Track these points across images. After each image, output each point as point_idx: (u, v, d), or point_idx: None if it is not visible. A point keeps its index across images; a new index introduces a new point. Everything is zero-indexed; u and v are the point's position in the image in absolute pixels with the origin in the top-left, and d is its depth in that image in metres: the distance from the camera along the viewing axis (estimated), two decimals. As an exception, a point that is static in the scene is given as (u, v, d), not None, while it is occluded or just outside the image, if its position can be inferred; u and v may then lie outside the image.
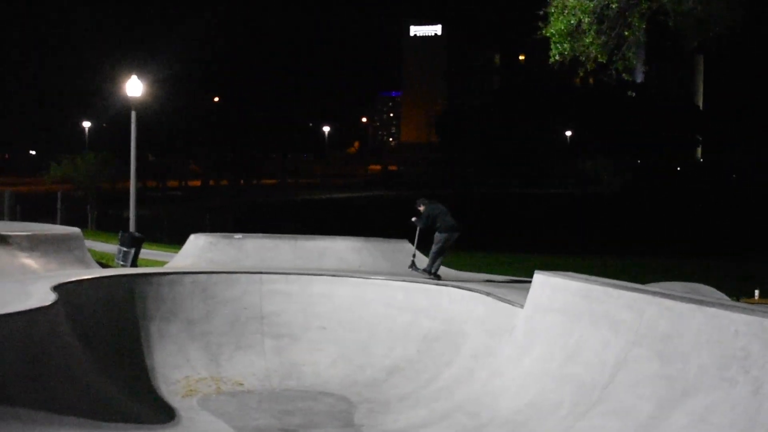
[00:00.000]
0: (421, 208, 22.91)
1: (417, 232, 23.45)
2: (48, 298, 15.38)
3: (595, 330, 13.88)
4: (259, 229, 30.43)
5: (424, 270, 22.28)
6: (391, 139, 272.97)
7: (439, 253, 22.48)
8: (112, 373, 16.45)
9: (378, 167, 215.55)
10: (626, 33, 20.07)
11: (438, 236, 22.49)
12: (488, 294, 18.19)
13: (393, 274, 21.81)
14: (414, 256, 23.62)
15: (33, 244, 24.74)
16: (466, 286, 19.34)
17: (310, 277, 21.02)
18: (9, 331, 13.11)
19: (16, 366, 12.85)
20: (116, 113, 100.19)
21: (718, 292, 21.80)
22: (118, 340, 18.16)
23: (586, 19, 19.35)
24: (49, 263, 23.88)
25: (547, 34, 20.45)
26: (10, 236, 24.59)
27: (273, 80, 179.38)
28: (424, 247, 23.80)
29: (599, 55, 20.22)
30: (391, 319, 19.52)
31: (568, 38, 20.00)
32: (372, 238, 26.41)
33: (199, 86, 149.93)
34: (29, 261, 23.88)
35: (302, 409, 16.65)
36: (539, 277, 16.22)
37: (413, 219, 23.05)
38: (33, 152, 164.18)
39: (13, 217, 52.57)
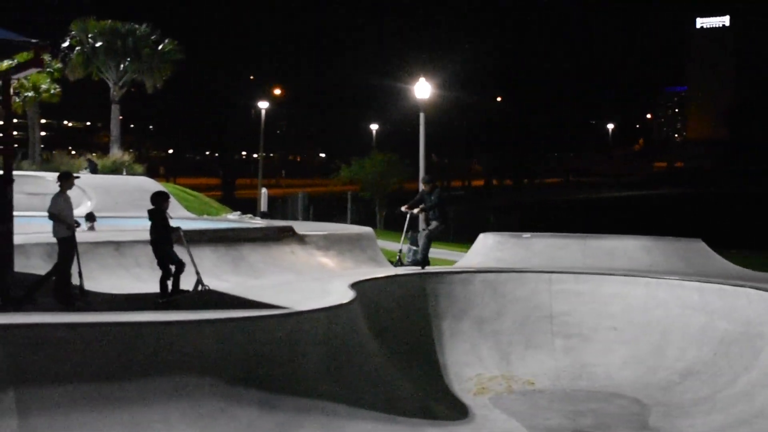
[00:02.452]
0: (426, 187, 22.12)
1: (409, 220, 22.90)
2: (347, 295, 15.92)
3: None
4: (544, 228, 30.24)
5: (416, 262, 21.84)
6: (676, 135, 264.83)
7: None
8: (406, 369, 16.83)
9: (663, 164, 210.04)
10: None
11: (436, 226, 21.86)
12: (791, 295, 17.31)
13: (686, 274, 21.03)
14: (401, 251, 22.93)
15: (329, 243, 25.72)
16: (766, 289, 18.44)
17: (600, 276, 20.67)
18: (312, 327, 13.67)
19: (319, 360, 13.38)
20: (402, 116, 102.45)
21: None
22: (411, 336, 18.56)
23: None
24: (344, 261, 24.74)
25: None
26: (307, 236, 25.67)
27: (555, 78, 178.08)
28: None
29: None
30: (685, 320, 18.86)
31: None
32: (663, 237, 25.68)
33: (483, 87, 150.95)
34: (326, 259, 24.83)
35: (594, 410, 16.41)
36: None
37: (413, 207, 22.15)
38: (323, 155, 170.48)
39: (306, 217, 54.81)
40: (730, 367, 17.05)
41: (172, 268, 15.28)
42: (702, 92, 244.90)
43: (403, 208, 22.33)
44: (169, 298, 15.09)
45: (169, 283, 15.32)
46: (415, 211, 22.01)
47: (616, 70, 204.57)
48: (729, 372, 16.91)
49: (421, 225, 23.26)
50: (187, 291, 15.23)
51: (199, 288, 15.27)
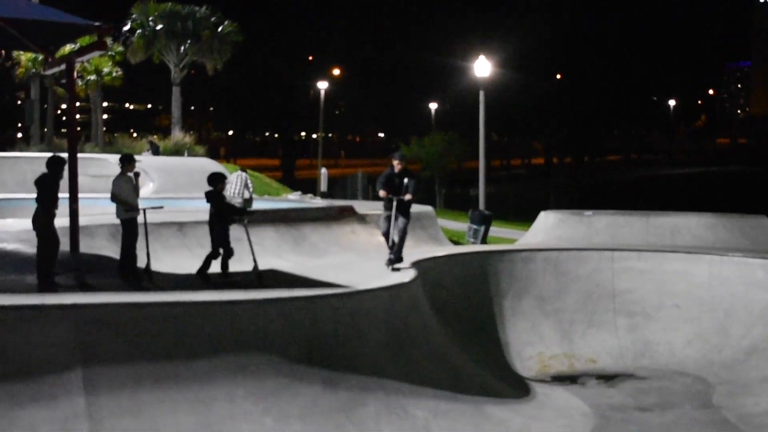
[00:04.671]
0: (398, 165, 18.00)
1: (397, 207, 17.38)
2: (408, 274, 15.96)
3: None
4: (605, 205, 30.01)
5: (399, 258, 17.21)
6: (739, 111, 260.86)
7: None
8: (468, 347, 16.85)
9: (726, 141, 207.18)
10: None
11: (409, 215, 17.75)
12: None
13: (751, 251, 20.79)
14: (392, 246, 17.29)
15: (388, 221, 25.75)
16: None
17: (663, 254, 20.51)
18: (374, 305, 13.74)
19: (381, 338, 13.44)
20: (461, 94, 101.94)
21: None
22: (472, 315, 18.59)
23: None
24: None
25: None
26: (368, 215, 25.73)
27: (616, 54, 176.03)
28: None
29: None
30: (749, 298, 18.67)
31: None
32: (727, 214, 25.39)
33: (542, 64, 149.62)
34: (386, 239, 24.87)
35: (657, 389, 16.39)
36: None
37: (391, 190, 17.46)
38: (382, 134, 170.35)
39: (366, 197, 54.83)
40: (796, 345, 16.91)
41: (220, 250, 15.63)
42: (766, 66, 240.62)
43: (382, 193, 17.52)
44: (202, 275, 15.44)
45: (215, 263, 15.65)
46: (407, 197, 17.48)
47: (677, 46, 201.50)
48: (796, 350, 16.78)
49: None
50: (235, 276, 15.42)
51: (253, 276, 15.38)
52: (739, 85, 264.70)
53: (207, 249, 17.09)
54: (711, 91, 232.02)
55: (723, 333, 18.38)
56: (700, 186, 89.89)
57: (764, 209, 26.34)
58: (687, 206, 30.67)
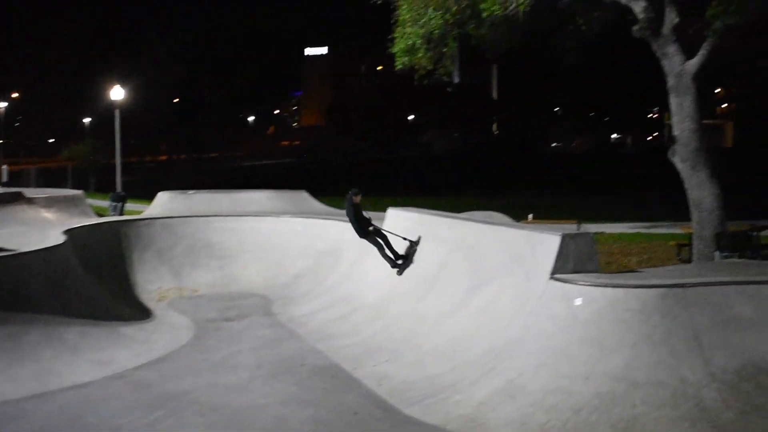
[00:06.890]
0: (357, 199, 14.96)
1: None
2: (61, 238, 14.88)
3: (427, 243, 14.14)
4: (206, 187, 29.71)
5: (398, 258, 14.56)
6: (294, 124, 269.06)
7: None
8: (108, 288, 16.05)
9: (286, 143, 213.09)
10: (445, 50, 19.90)
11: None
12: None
13: (295, 213, 21.56)
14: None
15: (50, 203, 23.91)
16: (344, 221, 19.31)
17: (241, 217, 20.69)
18: (34, 262, 12.69)
19: (40, 286, 12.45)
20: (107, 109, 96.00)
21: (506, 217, 21.90)
22: (112, 265, 17.68)
23: (419, 41, 19.05)
24: (61, 216, 23.09)
25: (394, 51, 20.08)
26: (34, 198, 23.76)
27: (217, 85, 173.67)
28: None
29: (428, 65, 20.01)
30: (295, 242, 19.39)
31: (407, 53, 19.67)
32: (280, 190, 26.04)
33: (165, 90, 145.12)
34: (48, 215, 23.04)
35: (238, 305, 16.55)
36: (391, 211, 16.38)
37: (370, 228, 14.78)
38: (52, 140, 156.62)
39: (38, 185, 50.49)
40: (324, 271, 17.76)
41: None
42: (312, 95, 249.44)
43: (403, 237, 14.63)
44: None
45: None
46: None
47: (258, 80, 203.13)
48: (323, 274, 17.63)
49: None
50: None
51: None
52: (295, 107, 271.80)
53: None
54: (277, 111, 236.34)
55: (279, 266, 18.91)
56: (268, 172, 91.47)
57: (305, 186, 27.34)
58: (257, 185, 31.15)
